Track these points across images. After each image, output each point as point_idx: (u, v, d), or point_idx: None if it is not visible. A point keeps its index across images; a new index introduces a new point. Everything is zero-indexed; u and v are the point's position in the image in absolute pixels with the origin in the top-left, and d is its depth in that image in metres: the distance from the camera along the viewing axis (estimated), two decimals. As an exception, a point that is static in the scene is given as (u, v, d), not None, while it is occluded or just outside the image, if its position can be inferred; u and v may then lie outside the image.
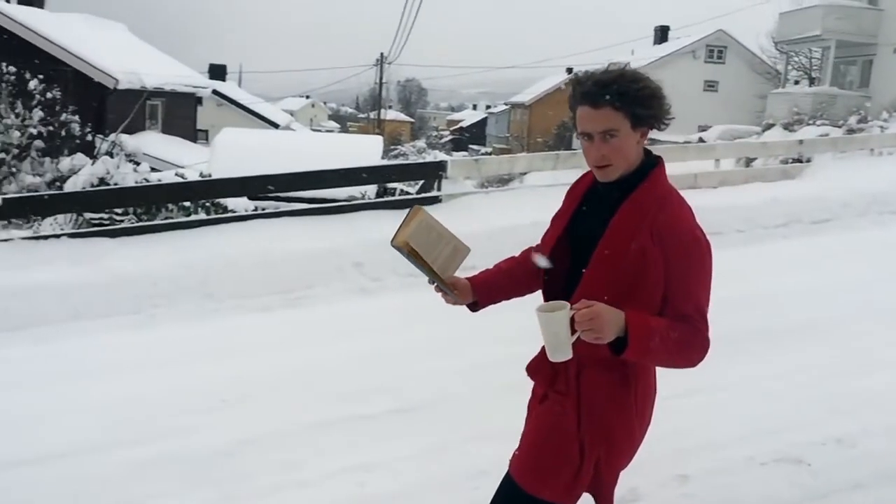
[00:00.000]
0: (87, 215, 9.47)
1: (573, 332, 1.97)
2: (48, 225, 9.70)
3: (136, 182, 10.77)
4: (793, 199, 9.76)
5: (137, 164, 13.04)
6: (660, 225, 2.07)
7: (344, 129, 66.26)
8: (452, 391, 4.67)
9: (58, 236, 7.87)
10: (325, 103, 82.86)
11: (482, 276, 2.47)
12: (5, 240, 7.81)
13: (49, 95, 16.45)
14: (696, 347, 2.08)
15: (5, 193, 13.33)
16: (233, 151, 13.72)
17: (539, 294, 2.38)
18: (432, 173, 9.93)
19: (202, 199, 9.76)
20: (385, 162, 16.27)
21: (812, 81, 30.98)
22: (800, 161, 12.62)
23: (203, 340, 5.76)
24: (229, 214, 9.28)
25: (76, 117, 17.23)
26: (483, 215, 8.23)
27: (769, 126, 21.60)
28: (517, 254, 2.53)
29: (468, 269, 2.42)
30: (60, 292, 6.41)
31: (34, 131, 15.62)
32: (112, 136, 17.11)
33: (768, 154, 13.67)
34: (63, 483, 3.72)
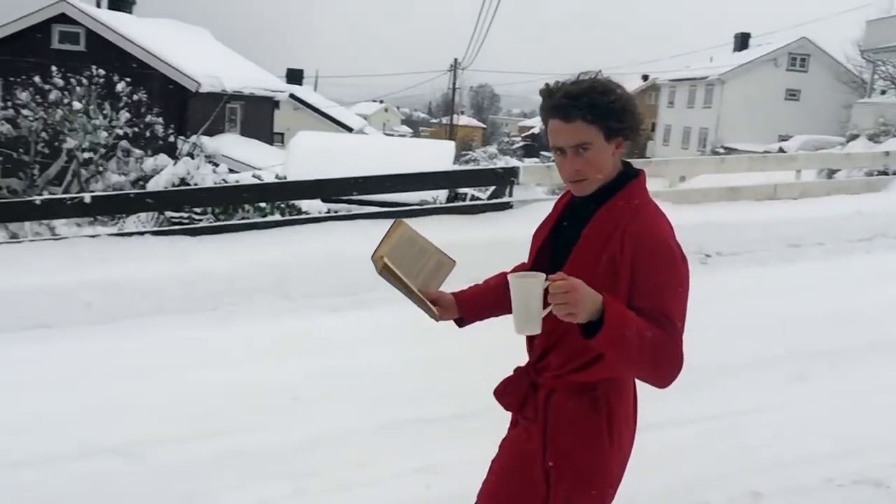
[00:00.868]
0: (168, 214, 9.80)
1: (546, 305, 1.86)
2: (131, 222, 10.09)
3: (215, 183, 11.09)
4: (877, 213, 9.42)
5: (216, 165, 13.41)
6: (631, 233, 1.97)
7: (416, 134, 66.74)
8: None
9: (141, 233, 8.17)
10: (398, 108, 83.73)
11: (469, 291, 2.39)
12: (92, 236, 8.16)
13: (135, 98, 17.04)
14: (669, 359, 1.91)
15: (92, 191, 13.90)
16: (308, 154, 14.02)
17: None
18: (504, 179, 9.94)
19: (278, 201, 9.99)
20: (457, 167, 16.36)
21: (900, 91, 29.80)
22: (885, 173, 12.17)
23: (277, 338, 5.89)
24: (303, 216, 9.48)
25: (160, 119, 17.82)
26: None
27: (853, 137, 20.85)
28: (508, 269, 2.42)
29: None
30: (144, 288, 6.65)
31: (120, 132, 16.20)
32: (193, 138, 17.61)
33: (852, 165, 13.23)
34: (146, 471, 3.88)
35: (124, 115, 16.36)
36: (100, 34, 20.84)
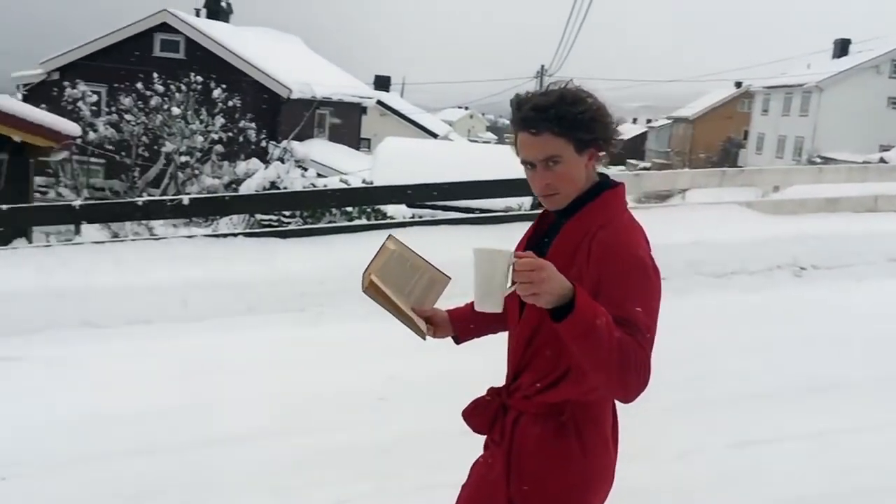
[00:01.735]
0: (258, 216, 10.11)
1: (512, 284, 1.77)
2: (224, 224, 10.46)
3: (304, 187, 11.38)
4: None
5: (305, 169, 13.77)
6: (599, 241, 1.88)
7: (501, 141, 66.70)
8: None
9: (234, 235, 8.47)
10: (483, 114, 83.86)
11: (465, 308, 2.30)
12: (188, 236, 8.50)
13: (230, 104, 17.64)
14: (637, 365, 1.75)
15: (188, 193, 14.46)
16: (394, 159, 14.19)
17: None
18: (590, 187, 9.83)
19: (364, 205, 10.18)
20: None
21: None
22: None
23: (363, 340, 5.99)
24: (389, 220, 9.62)
25: (252, 124, 18.38)
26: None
27: (961, 147, 19.82)
28: None
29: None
30: (236, 287, 6.89)
31: (215, 136, 16.80)
32: (284, 143, 18.11)
33: (959, 177, 12.56)
34: (237, 464, 4.02)
35: (219, 121, 16.94)
36: (198, 42, 21.67)
